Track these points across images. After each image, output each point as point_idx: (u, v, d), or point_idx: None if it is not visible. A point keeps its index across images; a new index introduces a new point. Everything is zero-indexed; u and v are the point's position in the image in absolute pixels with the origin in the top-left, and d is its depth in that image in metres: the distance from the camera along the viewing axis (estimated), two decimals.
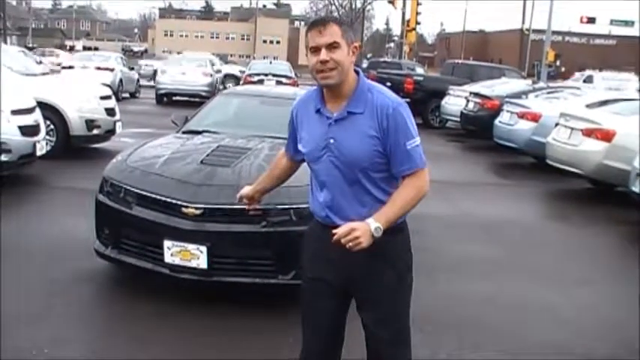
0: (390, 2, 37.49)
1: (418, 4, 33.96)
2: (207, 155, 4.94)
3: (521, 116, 11.97)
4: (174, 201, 4.39)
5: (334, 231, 2.42)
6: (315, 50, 2.48)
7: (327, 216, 2.61)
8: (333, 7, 73.09)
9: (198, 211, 4.33)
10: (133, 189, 4.58)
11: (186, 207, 4.34)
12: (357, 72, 2.59)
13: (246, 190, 3.08)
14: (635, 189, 7.48)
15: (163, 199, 4.43)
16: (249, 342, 4.06)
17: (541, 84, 17.29)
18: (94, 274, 4.98)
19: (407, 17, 37.11)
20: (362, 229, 2.39)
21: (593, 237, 7.34)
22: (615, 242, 7.23)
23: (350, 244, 2.39)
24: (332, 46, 2.46)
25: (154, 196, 4.48)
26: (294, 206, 4.34)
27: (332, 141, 2.53)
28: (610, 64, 71.07)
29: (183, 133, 5.96)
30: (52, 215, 6.73)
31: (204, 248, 4.29)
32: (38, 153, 8.00)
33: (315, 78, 2.52)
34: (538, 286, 5.48)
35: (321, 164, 2.58)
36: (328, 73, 2.47)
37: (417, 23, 35.28)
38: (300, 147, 2.69)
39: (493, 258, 6.18)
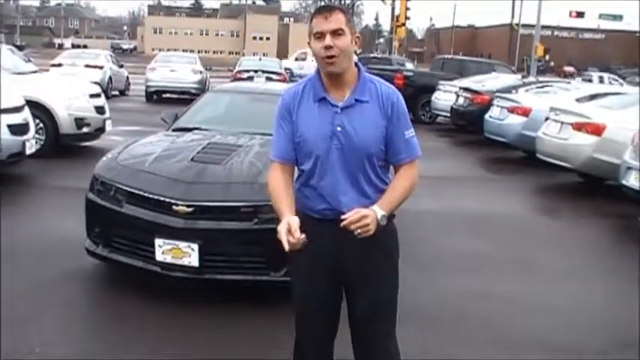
0: None
1: None
2: (198, 153, 4.93)
3: (512, 111, 12.01)
4: (165, 199, 4.37)
5: (344, 216, 2.43)
6: (320, 36, 2.50)
7: (327, 209, 2.60)
8: (323, 4, 73.08)
9: (189, 209, 4.32)
10: (123, 187, 4.56)
11: (177, 205, 4.33)
12: (356, 64, 2.62)
13: (295, 221, 2.46)
14: (625, 182, 7.52)
15: (154, 197, 4.41)
16: (240, 340, 4.06)
17: (531, 78, 17.34)
18: (85, 273, 4.96)
19: (396, 13, 37.10)
20: (371, 217, 2.44)
21: (584, 230, 7.38)
22: (605, 236, 7.26)
23: (359, 230, 2.42)
24: (336, 33, 2.49)
25: (144, 194, 4.46)
26: None
27: (339, 129, 2.55)
28: (598, 57, 71.47)
29: (174, 130, 5.94)
30: (42, 214, 6.69)
31: (195, 246, 4.27)
32: (27, 152, 7.95)
33: (319, 64, 2.55)
34: (528, 280, 5.50)
35: (325, 154, 2.57)
36: (333, 60, 2.50)
37: (407, 18, 35.21)
38: (296, 138, 2.61)
39: (484, 252, 6.19)
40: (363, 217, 2.42)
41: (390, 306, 2.73)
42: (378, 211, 2.48)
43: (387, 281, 2.70)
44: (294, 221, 2.43)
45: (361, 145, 2.54)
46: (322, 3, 72.63)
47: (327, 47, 2.48)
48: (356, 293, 2.69)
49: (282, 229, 2.42)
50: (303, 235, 2.40)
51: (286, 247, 2.39)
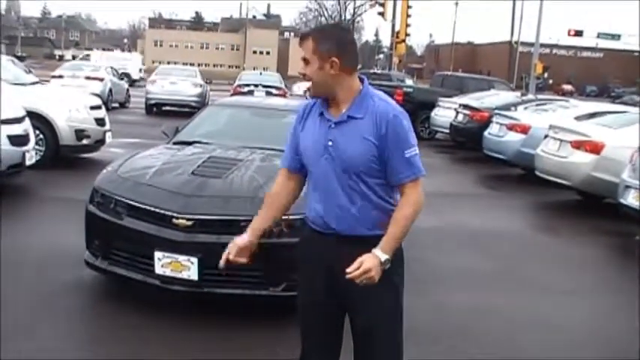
0: (380, 14, 37.67)
1: (408, 15, 34.09)
2: (199, 166, 4.93)
3: (511, 128, 12.04)
4: (165, 212, 4.37)
5: (348, 270, 2.44)
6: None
7: (324, 222, 2.63)
8: (323, 19, 73.39)
9: (189, 222, 4.32)
10: (123, 199, 4.56)
11: (177, 218, 4.33)
12: (362, 80, 2.64)
13: (242, 241, 2.71)
14: (623, 201, 7.54)
15: (154, 209, 4.41)
16: (238, 354, 4.05)
17: (530, 96, 17.40)
18: (84, 285, 4.95)
19: (396, 29, 37.27)
20: (373, 267, 2.44)
21: (582, 248, 7.37)
22: (603, 253, 7.27)
23: (364, 281, 2.44)
24: (306, 61, 2.56)
25: (144, 206, 4.46)
26: (285, 217, 4.32)
27: (330, 143, 2.58)
28: (596, 76, 71.82)
29: (174, 143, 5.94)
30: (41, 226, 6.68)
31: (195, 259, 4.27)
32: (27, 163, 7.95)
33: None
34: (527, 297, 5.50)
35: (319, 167, 2.62)
36: (310, 86, 2.61)
37: (407, 35, 35.37)
38: (300, 150, 2.72)
39: (482, 269, 6.19)
40: (365, 271, 2.43)
41: (389, 324, 2.68)
42: (381, 256, 2.47)
43: (385, 300, 2.64)
44: (239, 242, 2.71)
45: (349, 161, 2.55)
46: (322, 19, 73.01)
47: (302, 74, 2.58)
48: (354, 309, 2.68)
49: (230, 244, 2.73)
50: (243, 260, 2.70)
51: (221, 262, 2.71)
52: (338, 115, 2.59)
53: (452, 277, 5.88)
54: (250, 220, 4.28)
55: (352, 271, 2.43)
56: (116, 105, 21.07)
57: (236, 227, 4.35)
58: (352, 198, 2.58)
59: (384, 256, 2.47)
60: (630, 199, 7.41)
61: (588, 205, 9.66)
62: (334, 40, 2.58)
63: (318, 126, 2.64)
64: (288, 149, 2.78)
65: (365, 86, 2.62)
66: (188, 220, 4.32)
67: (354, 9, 71.83)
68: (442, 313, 4.98)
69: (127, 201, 4.55)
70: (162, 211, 4.38)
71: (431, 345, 4.35)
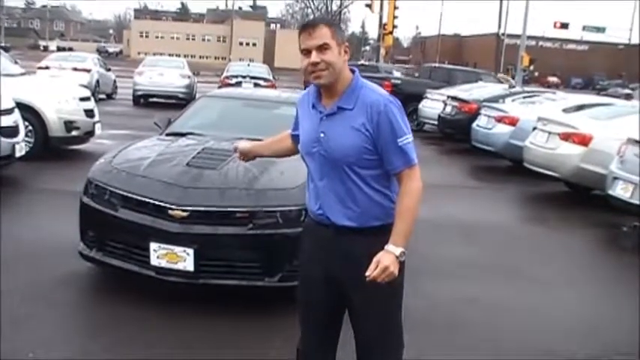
0: (367, 6, 37.69)
1: (395, 7, 34.12)
2: (193, 157, 4.93)
3: (499, 120, 12.11)
4: (160, 203, 4.37)
5: (367, 273, 2.45)
6: (307, 52, 2.54)
7: (320, 213, 2.66)
8: (309, 10, 73.32)
9: (184, 214, 4.33)
10: (118, 191, 4.56)
11: (173, 209, 4.33)
12: (352, 71, 2.64)
13: (244, 144, 3.18)
14: (612, 192, 7.62)
15: (150, 201, 4.42)
16: (234, 344, 4.07)
17: (517, 88, 17.49)
18: (78, 277, 4.94)
19: (384, 20, 37.28)
20: (389, 262, 2.46)
21: (570, 239, 7.45)
22: (591, 244, 7.35)
23: (386, 279, 2.46)
24: (322, 48, 2.51)
25: (140, 198, 4.46)
26: (280, 209, 4.37)
27: (322, 135, 2.59)
28: (582, 68, 72.23)
29: (167, 135, 5.94)
30: (32, 217, 6.64)
31: (190, 251, 4.28)
32: (17, 154, 7.90)
33: (309, 78, 2.59)
34: (517, 288, 5.56)
35: (313, 159, 2.65)
36: (319, 73, 2.53)
37: (394, 27, 35.41)
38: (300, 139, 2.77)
39: (472, 260, 6.24)
40: (383, 269, 2.44)
41: (387, 311, 2.71)
42: (395, 250, 2.49)
43: (382, 299, 2.64)
44: (244, 145, 3.17)
45: (339, 153, 2.56)
46: (309, 10, 72.84)
47: (314, 64, 2.51)
48: (351, 298, 2.70)
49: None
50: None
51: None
52: (329, 106, 2.60)
53: (442, 268, 5.92)
54: (246, 212, 4.37)
55: (371, 272, 2.44)
56: (103, 96, 20.90)
57: (231, 218, 4.41)
58: (347, 190, 2.59)
59: (398, 250, 2.49)
60: (618, 191, 7.50)
61: (576, 196, 9.76)
62: (339, 28, 2.63)
63: (310, 117, 2.66)
64: (294, 124, 2.91)
65: (356, 77, 2.62)
66: (184, 211, 4.33)
67: (341, 0, 71.78)
68: (434, 304, 5.01)
69: (121, 192, 4.54)
70: (158, 203, 4.38)
71: (422, 336, 4.37)
